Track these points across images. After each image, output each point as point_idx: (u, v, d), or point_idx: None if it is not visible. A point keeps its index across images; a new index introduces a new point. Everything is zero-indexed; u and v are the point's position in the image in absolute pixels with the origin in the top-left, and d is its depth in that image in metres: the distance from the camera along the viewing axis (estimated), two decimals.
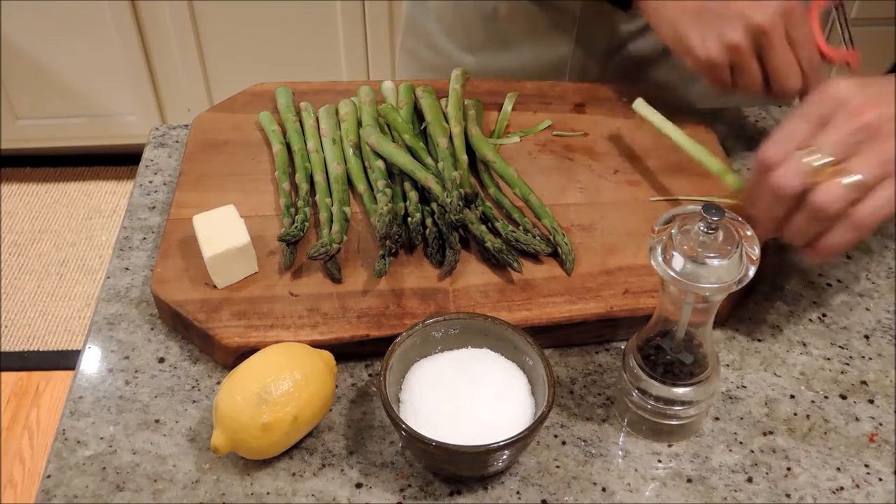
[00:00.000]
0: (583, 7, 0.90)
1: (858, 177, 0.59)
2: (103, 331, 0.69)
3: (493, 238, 0.70)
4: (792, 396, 0.65)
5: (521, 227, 0.73)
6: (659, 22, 0.77)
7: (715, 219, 0.53)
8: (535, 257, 0.71)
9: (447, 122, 0.80)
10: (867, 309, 0.72)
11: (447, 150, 0.76)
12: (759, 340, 0.69)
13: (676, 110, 0.87)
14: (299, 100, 0.85)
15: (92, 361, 0.67)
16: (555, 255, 0.71)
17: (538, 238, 0.71)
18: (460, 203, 0.70)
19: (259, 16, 2.01)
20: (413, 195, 0.74)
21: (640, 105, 0.80)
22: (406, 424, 0.56)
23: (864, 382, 0.67)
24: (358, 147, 0.79)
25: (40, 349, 1.96)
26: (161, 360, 0.67)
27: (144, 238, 0.77)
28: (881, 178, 0.59)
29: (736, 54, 0.73)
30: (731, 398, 0.65)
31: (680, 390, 0.59)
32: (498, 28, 0.95)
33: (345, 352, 0.65)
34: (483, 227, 0.70)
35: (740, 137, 0.89)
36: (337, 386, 0.65)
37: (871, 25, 1.74)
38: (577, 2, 0.90)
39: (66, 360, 1.93)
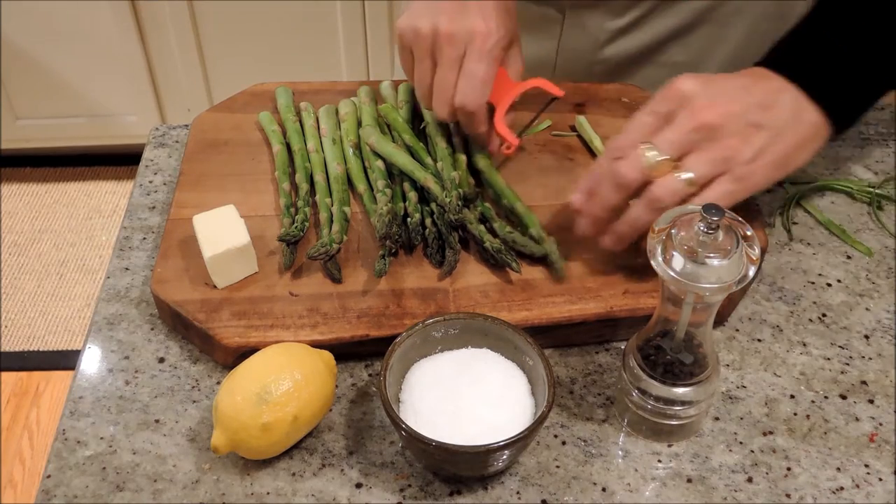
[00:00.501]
0: (569, 4, 0.90)
1: (690, 175, 0.63)
2: (103, 331, 0.69)
3: (491, 238, 0.70)
4: (792, 396, 0.65)
5: (518, 229, 0.73)
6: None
7: (715, 219, 0.53)
8: (533, 258, 0.71)
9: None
10: (867, 309, 0.72)
11: (447, 151, 0.76)
12: (759, 340, 0.69)
13: None
14: (299, 100, 0.85)
15: (92, 361, 0.67)
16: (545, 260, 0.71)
17: (533, 239, 0.71)
18: (459, 203, 0.70)
19: (259, 16, 2.01)
20: (412, 195, 0.74)
21: (582, 122, 0.84)
22: (406, 424, 0.56)
23: (864, 382, 0.67)
24: (358, 147, 0.79)
25: (40, 349, 1.96)
26: (161, 360, 0.67)
27: (144, 238, 0.77)
28: (713, 175, 0.64)
29: (415, 40, 0.73)
30: (731, 398, 0.65)
31: (680, 390, 0.59)
32: None
33: (345, 352, 0.65)
34: (482, 228, 0.70)
35: None
36: (337, 386, 0.65)
37: None
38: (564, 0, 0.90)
39: (66, 360, 1.93)
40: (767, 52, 0.71)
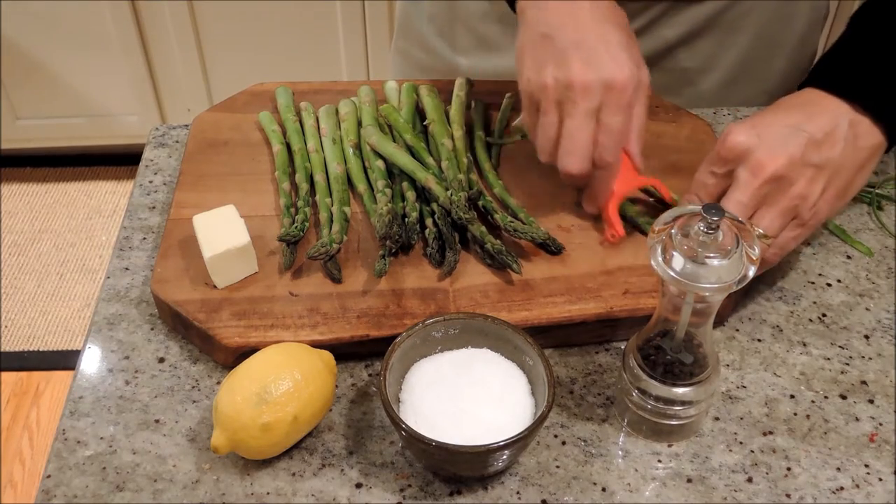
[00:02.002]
0: None
1: (760, 231, 0.65)
2: (103, 331, 0.69)
3: (493, 239, 0.70)
4: (792, 396, 0.65)
5: (518, 220, 0.73)
6: (521, 30, 0.71)
7: (715, 219, 0.53)
8: (537, 254, 0.71)
9: (450, 124, 0.80)
10: (867, 309, 0.72)
11: (451, 151, 0.77)
12: (759, 340, 0.69)
13: (673, 112, 0.87)
14: (299, 100, 0.85)
15: (92, 361, 0.67)
16: (546, 248, 0.71)
17: (535, 226, 0.72)
18: (466, 204, 0.70)
19: (259, 16, 2.01)
20: (410, 195, 0.74)
21: None
22: (406, 424, 0.56)
23: (864, 382, 0.67)
24: (358, 147, 0.79)
25: (40, 349, 1.96)
26: (161, 360, 0.67)
27: (144, 238, 0.77)
28: (784, 226, 0.65)
29: (542, 93, 0.67)
30: (731, 398, 0.65)
31: (680, 390, 0.59)
32: (490, 30, 0.94)
33: (345, 352, 0.65)
34: (483, 229, 0.70)
35: None
36: (337, 386, 0.65)
37: None
38: None
39: (66, 360, 1.93)
40: (813, 71, 0.70)
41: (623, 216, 0.73)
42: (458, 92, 0.84)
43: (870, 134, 0.66)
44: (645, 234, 0.73)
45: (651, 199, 0.77)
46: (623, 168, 0.71)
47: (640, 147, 0.71)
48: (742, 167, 0.65)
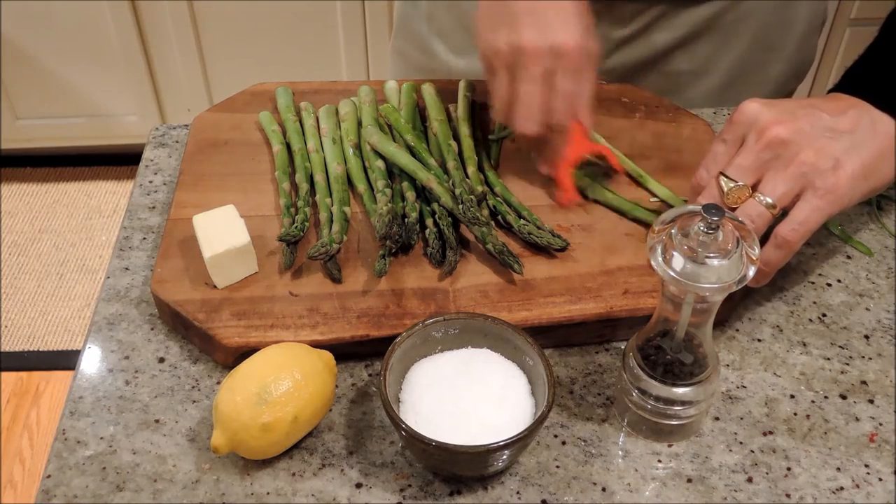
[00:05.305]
0: None
1: (767, 199, 0.62)
2: (103, 331, 0.69)
3: (494, 239, 0.70)
4: (792, 396, 0.65)
5: (531, 223, 0.73)
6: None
7: (715, 219, 0.53)
8: (537, 254, 0.71)
9: (457, 124, 0.81)
10: (867, 309, 0.72)
11: (458, 152, 0.77)
12: (759, 340, 0.69)
13: (673, 112, 0.87)
14: (299, 100, 0.85)
15: (92, 361, 0.67)
16: (541, 249, 0.72)
17: (550, 232, 0.72)
18: (473, 208, 0.70)
19: (259, 16, 2.01)
20: (410, 195, 0.74)
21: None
22: (406, 424, 0.56)
23: (864, 382, 0.67)
24: (358, 147, 0.79)
25: (40, 349, 1.96)
26: (161, 360, 0.67)
27: (144, 238, 0.77)
28: (793, 192, 0.63)
29: (496, 57, 0.70)
30: (731, 398, 0.65)
31: (680, 390, 0.59)
32: None
33: (345, 352, 0.65)
34: (483, 229, 0.70)
35: None
36: (337, 386, 0.65)
37: (872, 25, 1.74)
38: None
39: (66, 360, 1.93)
40: (838, 81, 0.71)
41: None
42: (466, 93, 0.84)
43: (888, 124, 0.65)
44: (587, 198, 0.77)
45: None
46: (575, 134, 0.74)
47: (589, 114, 0.74)
48: (749, 132, 0.64)
